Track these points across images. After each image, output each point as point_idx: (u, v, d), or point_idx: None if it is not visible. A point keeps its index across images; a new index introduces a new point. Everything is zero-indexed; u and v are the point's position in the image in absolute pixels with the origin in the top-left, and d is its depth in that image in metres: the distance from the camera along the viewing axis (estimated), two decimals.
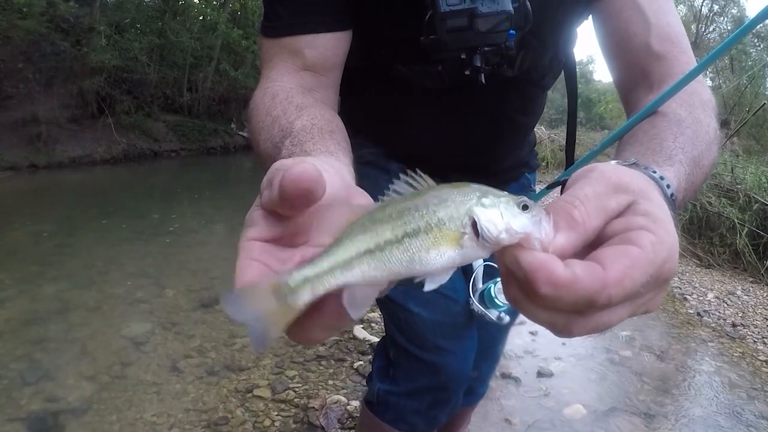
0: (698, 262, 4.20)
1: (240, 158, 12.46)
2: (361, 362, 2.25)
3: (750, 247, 4.01)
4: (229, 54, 13.89)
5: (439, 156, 0.87)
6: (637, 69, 0.71)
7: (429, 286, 0.33)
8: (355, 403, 1.92)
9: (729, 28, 18.80)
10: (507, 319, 0.89)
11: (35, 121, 8.39)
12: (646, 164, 0.43)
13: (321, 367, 2.23)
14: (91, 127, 9.53)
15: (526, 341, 2.56)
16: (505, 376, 2.20)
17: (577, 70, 0.94)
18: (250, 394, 1.99)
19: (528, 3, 0.67)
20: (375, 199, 0.36)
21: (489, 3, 0.63)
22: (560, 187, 0.48)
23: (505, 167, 1.00)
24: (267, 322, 0.32)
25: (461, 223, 0.31)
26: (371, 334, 2.52)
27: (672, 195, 0.40)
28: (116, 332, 2.49)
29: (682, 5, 19.40)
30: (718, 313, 3.12)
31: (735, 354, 2.58)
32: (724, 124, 8.54)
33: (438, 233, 0.31)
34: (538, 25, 0.70)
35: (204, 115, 12.93)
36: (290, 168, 0.30)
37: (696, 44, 17.95)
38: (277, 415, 1.87)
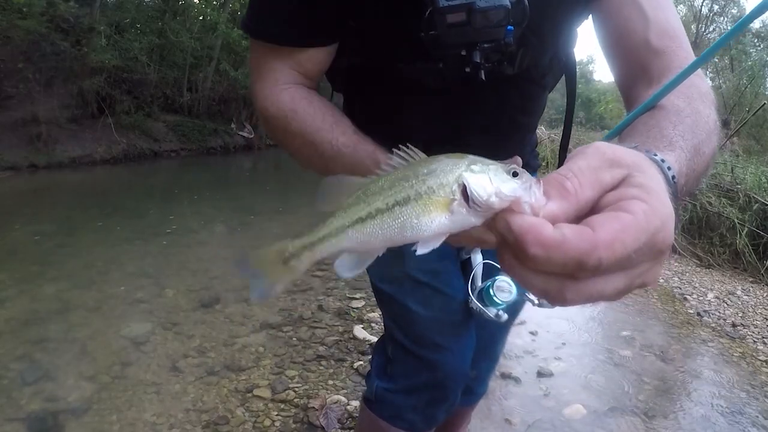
0: (698, 262, 4.20)
1: (240, 158, 12.46)
2: (361, 362, 2.25)
3: (750, 247, 4.01)
4: (229, 54, 13.88)
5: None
6: (636, 65, 0.71)
7: (421, 251, 0.34)
8: (355, 403, 1.92)
9: (729, 28, 18.79)
10: (505, 317, 0.89)
11: (35, 121, 8.39)
12: (647, 149, 0.43)
13: (321, 367, 2.23)
14: (91, 127, 9.53)
15: (526, 341, 2.56)
16: (505, 376, 2.20)
17: (577, 70, 0.94)
18: (250, 394, 1.99)
19: None
20: None
21: None
22: None
23: None
24: (270, 281, 0.37)
25: (451, 190, 0.33)
26: (371, 334, 2.52)
27: (673, 177, 0.40)
28: (116, 332, 2.49)
29: (682, 5, 19.42)
30: (718, 313, 3.12)
31: (735, 354, 2.58)
32: (724, 124, 8.54)
33: (428, 200, 0.33)
34: (537, 22, 0.71)
35: (204, 115, 12.93)
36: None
37: (696, 44, 17.95)
38: (277, 415, 1.87)
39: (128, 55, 10.47)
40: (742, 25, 0.54)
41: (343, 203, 0.36)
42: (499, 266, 0.81)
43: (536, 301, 1.00)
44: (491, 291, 0.88)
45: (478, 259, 0.92)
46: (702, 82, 0.64)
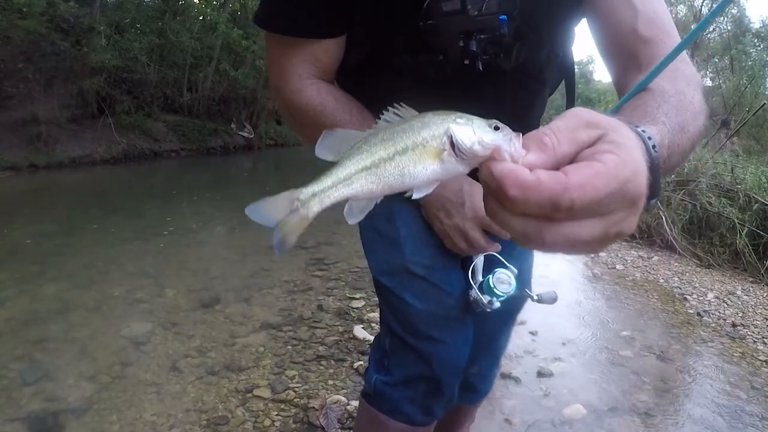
0: (698, 262, 4.20)
1: (240, 158, 12.47)
2: (361, 362, 2.25)
3: (750, 247, 4.01)
4: (229, 54, 13.89)
5: None
6: (627, 54, 0.74)
7: (416, 195, 0.39)
8: (355, 403, 1.92)
9: (729, 28, 18.80)
10: (497, 304, 0.90)
11: (35, 121, 8.39)
12: (630, 121, 0.45)
13: (321, 367, 2.23)
14: (91, 127, 9.54)
15: (526, 341, 2.56)
16: (505, 376, 2.20)
17: (577, 69, 0.95)
18: (250, 394, 1.99)
19: None
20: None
21: None
22: None
23: None
24: (284, 230, 0.40)
25: (441, 141, 0.37)
26: (371, 334, 2.52)
27: (654, 146, 0.42)
28: (116, 332, 2.49)
29: (682, 5, 19.40)
30: (718, 313, 3.12)
31: (735, 354, 2.58)
32: (724, 124, 8.53)
33: (422, 150, 0.37)
34: (531, 16, 0.76)
35: (204, 115, 12.94)
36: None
37: (696, 44, 17.94)
38: (277, 415, 1.87)
39: (128, 55, 10.48)
40: (722, 6, 0.55)
41: (347, 153, 0.39)
42: (499, 259, 0.82)
43: (535, 297, 1.00)
44: (491, 283, 0.89)
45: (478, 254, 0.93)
46: (688, 67, 0.66)
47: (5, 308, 2.71)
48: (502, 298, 0.89)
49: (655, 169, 0.39)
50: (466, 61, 0.76)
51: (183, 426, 1.79)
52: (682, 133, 0.52)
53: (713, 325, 2.96)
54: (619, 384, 2.21)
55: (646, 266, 4.08)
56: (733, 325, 2.94)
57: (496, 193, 0.33)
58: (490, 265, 0.92)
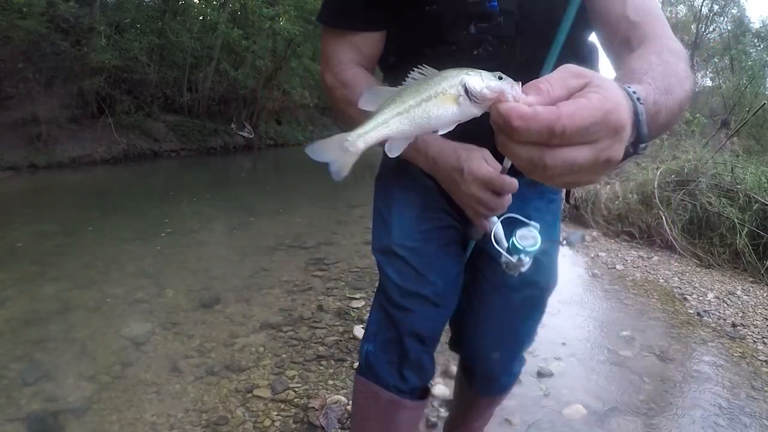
0: (698, 262, 4.20)
1: (240, 158, 12.46)
2: None
3: (750, 247, 4.00)
4: (229, 54, 13.88)
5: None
6: (620, 41, 0.79)
7: (441, 131, 0.48)
8: None
9: (729, 28, 18.79)
10: (528, 261, 0.92)
11: (35, 121, 8.38)
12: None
13: (321, 367, 2.23)
14: (91, 127, 9.53)
15: None
16: None
17: None
18: (250, 394, 1.99)
19: None
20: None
21: None
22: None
23: None
24: (339, 163, 0.51)
25: (457, 89, 0.46)
26: None
27: (638, 99, 0.47)
28: (116, 332, 2.49)
29: (682, 5, 19.40)
30: (718, 313, 3.12)
31: (735, 354, 2.58)
32: (724, 124, 8.53)
33: (443, 97, 0.46)
34: (528, 9, 0.87)
35: (204, 115, 12.92)
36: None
37: (696, 44, 17.95)
38: (277, 415, 1.87)
39: (128, 55, 10.46)
40: None
41: (384, 104, 0.49)
42: (517, 219, 0.90)
43: (563, 241, 1.02)
44: (515, 242, 0.91)
45: (493, 220, 0.94)
46: (674, 43, 0.72)
47: (5, 308, 2.71)
48: (531, 253, 0.91)
49: (638, 114, 0.46)
50: (475, 52, 0.89)
51: (183, 426, 1.79)
52: (668, 95, 0.56)
53: (713, 325, 2.96)
54: (619, 384, 2.21)
55: (646, 266, 4.08)
56: (733, 325, 2.94)
57: (504, 128, 0.40)
58: (512, 229, 0.94)
